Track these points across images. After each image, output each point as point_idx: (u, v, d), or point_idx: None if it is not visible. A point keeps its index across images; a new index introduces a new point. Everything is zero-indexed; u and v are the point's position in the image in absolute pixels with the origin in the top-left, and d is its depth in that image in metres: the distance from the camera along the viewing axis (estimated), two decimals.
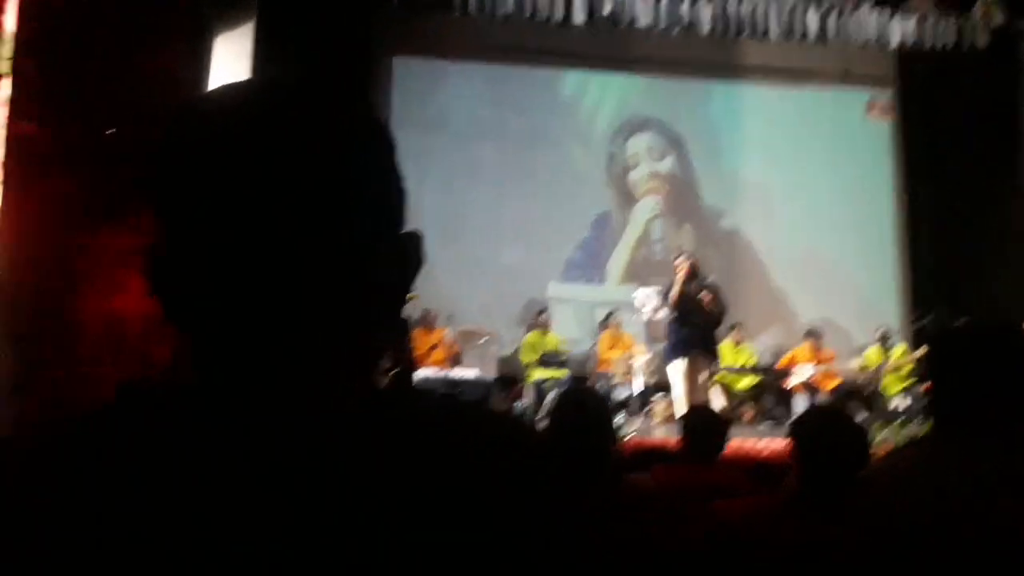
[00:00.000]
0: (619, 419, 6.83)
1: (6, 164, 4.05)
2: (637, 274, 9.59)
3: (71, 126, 4.00)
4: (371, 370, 0.61)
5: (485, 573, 0.50)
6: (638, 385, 7.63)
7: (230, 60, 4.38)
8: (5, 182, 4.05)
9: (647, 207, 10.00)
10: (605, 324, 8.65)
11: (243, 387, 0.54)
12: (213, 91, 0.58)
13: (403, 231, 0.59)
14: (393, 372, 5.17)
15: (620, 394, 7.72)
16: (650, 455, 4.40)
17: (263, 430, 0.52)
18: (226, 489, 0.49)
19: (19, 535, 0.48)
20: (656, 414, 7.52)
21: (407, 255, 0.59)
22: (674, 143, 10.13)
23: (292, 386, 0.54)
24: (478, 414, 0.61)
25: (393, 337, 5.41)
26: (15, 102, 4.05)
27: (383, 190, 0.58)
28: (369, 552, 0.49)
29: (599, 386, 7.78)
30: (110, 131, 3.88)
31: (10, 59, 4.01)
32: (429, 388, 6.62)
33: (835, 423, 2.00)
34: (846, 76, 10.06)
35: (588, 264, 9.86)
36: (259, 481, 0.50)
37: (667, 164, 10.09)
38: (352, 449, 0.52)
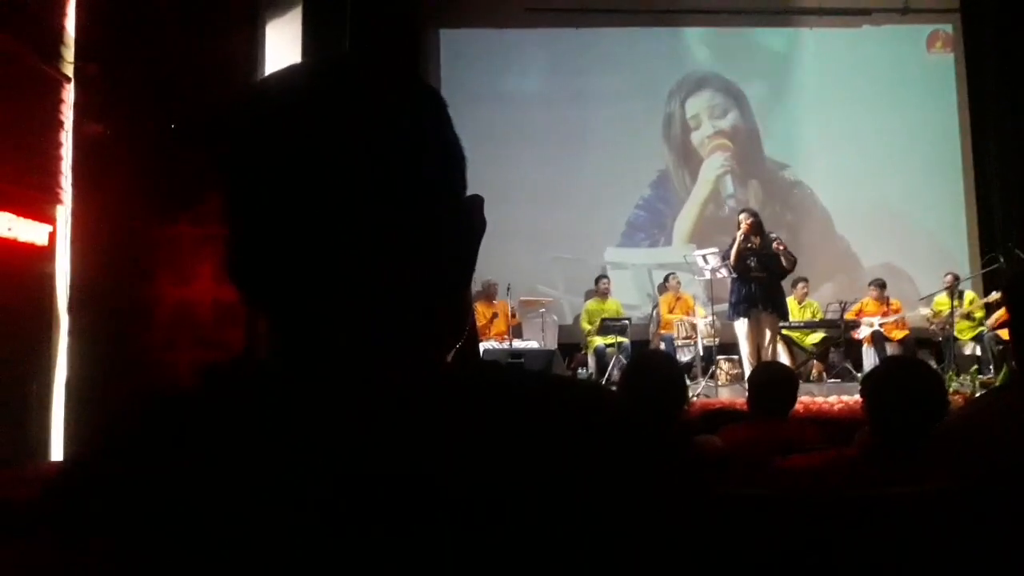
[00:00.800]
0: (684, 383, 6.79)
1: (76, 166, 4.20)
2: (705, 232, 9.42)
3: (135, 123, 4.11)
4: (447, 341, 0.61)
5: (574, 540, 0.49)
6: (701, 346, 7.57)
7: (283, 44, 4.44)
8: (75, 182, 4.20)
9: (716, 163, 9.79)
10: (665, 286, 8.59)
11: (321, 365, 0.54)
12: (273, 74, 0.59)
13: (465, 195, 0.60)
14: (459, 346, 5.21)
15: (683, 356, 7.67)
16: (717, 416, 4.38)
17: (346, 408, 0.52)
18: (313, 467, 0.50)
19: (134, 529, 0.49)
20: (721, 375, 7.46)
21: (471, 219, 0.59)
22: (734, 98, 9.90)
23: (369, 361, 0.54)
24: (556, 382, 0.60)
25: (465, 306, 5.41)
26: (80, 104, 4.18)
27: (443, 157, 0.58)
28: (459, 523, 0.48)
29: (662, 349, 7.75)
30: (172, 126, 3.98)
31: (72, 63, 4.14)
32: (494, 360, 6.68)
33: (910, 372, 1.97)
34: (905, 11, 9.70)
35: (650, 225, 9.76)
36: (345, 459, 0.50)
37: (730, 120, 9.87)
38: (436, 423, 0.52)
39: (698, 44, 9.90)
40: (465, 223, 0.59)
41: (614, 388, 2.14)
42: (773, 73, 9.89)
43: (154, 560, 0.49)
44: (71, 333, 4.11)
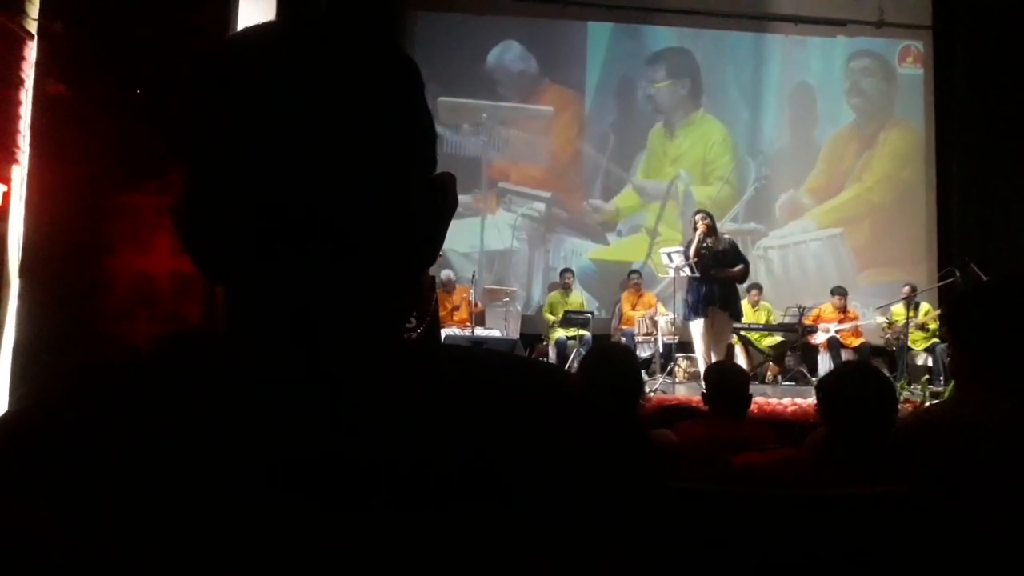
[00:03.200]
0: (642, 377, 6.87)
1: (35, 125, 4.08)
2: (660, 233, 9.53)
3: (99, 86, 4.02)
4: (405, 319, 0.59)
5: (532, 519, 0.49)
6: (661, 343, 7.64)
7: (256, 16, 4.36)
8: (33, 143, 4.08)
9: (676, 173, 9.89)
10: (627, 283, 8.65)
11: (279, 337, 0.53)
12: (247, 30, 0.56)
13: (435, 172, 0.57)
14: (420, 331, 5.20)
15: (643, 352, 7.74)
16: (673, 412, 4.41)
17: (301, 380, 0.51)
18: (263, 437, 0.49)
19: (65, 483, 0.48)
20: (679, 372, 7.54)
21: (442, 196, 0.57)
22: (696, 95, 9.97)
23: (330, 335, 0.53)
24: (517, 361, 0.59)
25: (423, 287, 5.42)
26: (42, 63, 4.07)
27: (419, 130, 0.56)
28: (417, 500, 0.48)
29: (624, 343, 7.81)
30: (138, 91, 3.89)
31: (36, 20, 4.02)
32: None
33: (864, 378, 2.00)
34: (880, 24, 9.85)
35: (600, 224, 9.79)
36: (297, 432, 0.49)
37: (697, 126, 9.95)
38: (396, 400, 0.51)
39: (674, 43, 9.94)
40: (436, 200, 0.57)
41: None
42: (746, 79, 9.97)
43: (73, 522, 0.47)
44: (22, 296, 4.01)
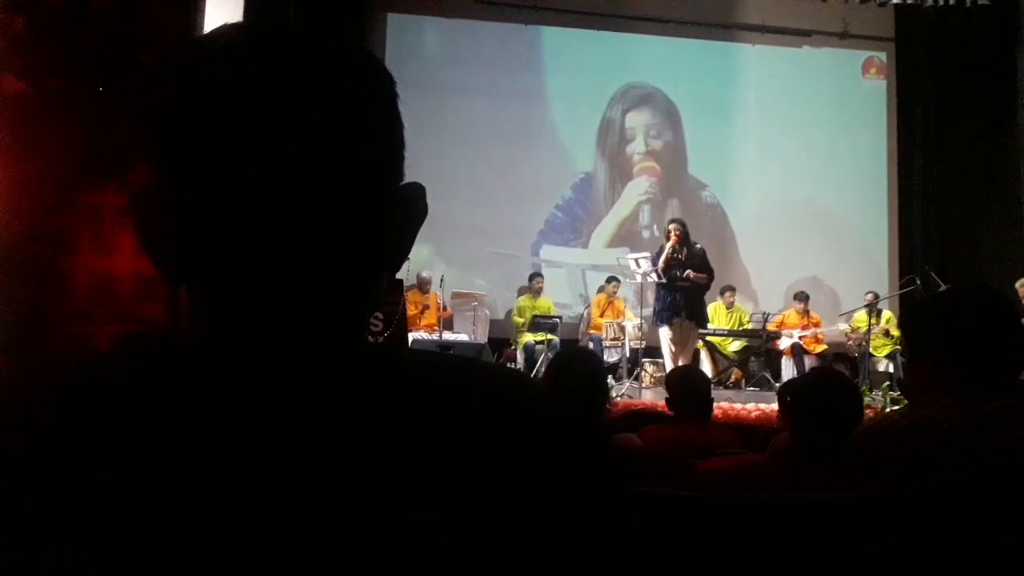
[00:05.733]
0: (609, 382, 6.91)
1: None
2: (620, 246, 9.59)
3: (60, 83, 3.94)
4: (367, 322, 0.59)
5: (491, 526, 0.48)
6: (628, 348, 7.68)
7: (223, 15, 4.32)
8: None
9: (640, 187, 9.96)
10: (602, 288, 8.69)
11: (241, 337, 0.52)
12: (215, 31, 0.55)
13: (404, 181, 0.57)
14: (387, 334, 5.18)
15: (611, 357, 7.78)
16: (639, 416, 4.44)
17: (262, 385, 0.50)
18: (225, 439, 0.48)
19: (28, 481, 0.47)
20: (646, 377, 7.59)
21: (411, 205, 0.57)
22: (671, 117, 10.06)
23: (292, 338, 0.52)
24: (481, 365, 0.60)
25: (389, 294, 5.41)
26: (2, 60, 3.99)
27: (389, 137, 0.56)
28: (378, 500, 0.47)
29: (589, 347, 7.84)
30: (100, 88, 3.82)
31: None
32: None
33: (831, 384, 2.03)
34: (844, 35, 10.01)
35: (567, 228, 9.84)
36: (256, 435, 0.48)
37: (663, 140, 10.05)
38: (357, 403, 0.51)
39: (643, 52, 10.01)
40: (405, 208, 0.57)
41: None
42: (713, 86, 10.07)
43: (28, 527, 0.46)
44: None
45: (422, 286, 8.02)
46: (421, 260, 7.96)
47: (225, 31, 0.54)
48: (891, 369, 8.03)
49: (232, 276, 0.52)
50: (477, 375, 0.56)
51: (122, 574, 0.45)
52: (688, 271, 6.71)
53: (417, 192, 0.58)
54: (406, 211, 0.57)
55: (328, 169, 0.51)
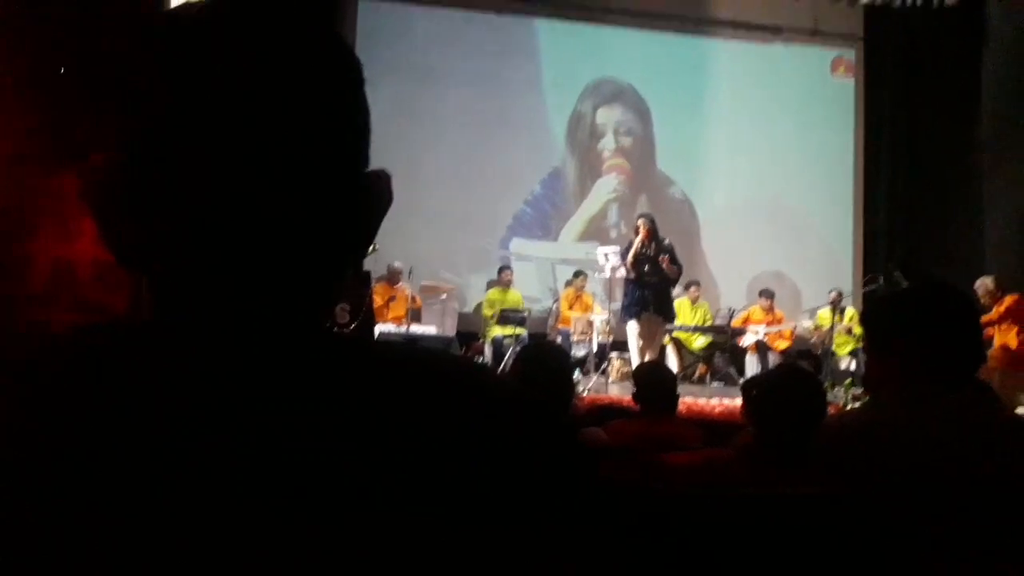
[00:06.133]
0: (576, 376, 6.94)
1: None
2: (589, 241, 9.62)
3: (24, 63, 3.86)
4: (330, 314, 0.58)
5: (452, 519, 0.48)
6: (596, 343, 7.72)
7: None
8: None
9: (608, 185, 9.99)
10: (570, 282, 8.71)
11: (201, 327, 0.51)
12: (176, 10, 0.54)
13: (370, 169, 0.57)
14: (354, 325, 5.14)
15: (579, 351, 7.81)
16: (606, 411, 4.46)
17: (218, 374, 0.50)
18: (186, 430, 0.47)
19: None
20: (613, 371, 7.63)
21: (376, 192, 0.56)
22: (641, 114, 10.09)
23: (251, 328, 0.52)
24: (445, 359, 0.58)
25: (357, 285, 5.38)
26: None
27: (351, 124, 0.55)
28: (332, 494, 0.47)
29: (559, 343, 7.86)
30: (62, 69, 3.75)
31: None
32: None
33: (795, 380, 2.05)
34: (815, 32, 10.12)
35: (536, 224, 9.85)
36: (217, 427, 0.48)
37: (633, 138, 10.08)
38: (318, 392, 0.50)
39: (615, 45, 10.04)
40: (370, 197, 0.56)
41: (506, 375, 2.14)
42: (683, 81, 10.13)
43: None
44: None
45: (392, 277, 7.97)
46: (390, 250, 7.90)
47: (191, 11, 0.53)
48: (853, 367, 8.16)
49: (192, 263, 0.51)
50: (444, 367, 0.56)
51: (75, 570, 0.44)
52: (662, 257, 6.72)
53: (382, 179, 0.57)
54: (370, 198, 0.56)
55: (291, 154, 0.51)
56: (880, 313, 1.57)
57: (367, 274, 5.95)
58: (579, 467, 0.55)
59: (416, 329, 7.65)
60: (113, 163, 0.52)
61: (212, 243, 0.50)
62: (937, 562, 1.22)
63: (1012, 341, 6.76)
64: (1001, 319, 6.82)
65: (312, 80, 0.52)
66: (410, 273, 8.10)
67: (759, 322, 8.58)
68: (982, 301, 6.90)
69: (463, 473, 0.49)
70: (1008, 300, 6.85)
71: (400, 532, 0.47)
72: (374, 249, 6.33)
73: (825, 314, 8.46)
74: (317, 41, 0.54)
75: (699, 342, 8.44)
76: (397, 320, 7.77)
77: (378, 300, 7.53)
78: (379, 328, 7.10)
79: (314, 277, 0.54)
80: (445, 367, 0.56)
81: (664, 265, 6.72)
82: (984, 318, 6.78)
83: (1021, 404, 5.74)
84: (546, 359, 2.11)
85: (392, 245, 7.79)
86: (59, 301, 3.94)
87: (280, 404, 0.49)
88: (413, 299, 8.04)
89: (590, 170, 10.03)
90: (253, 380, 0.50)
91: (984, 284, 6.99)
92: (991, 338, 6.81)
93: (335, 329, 0.62)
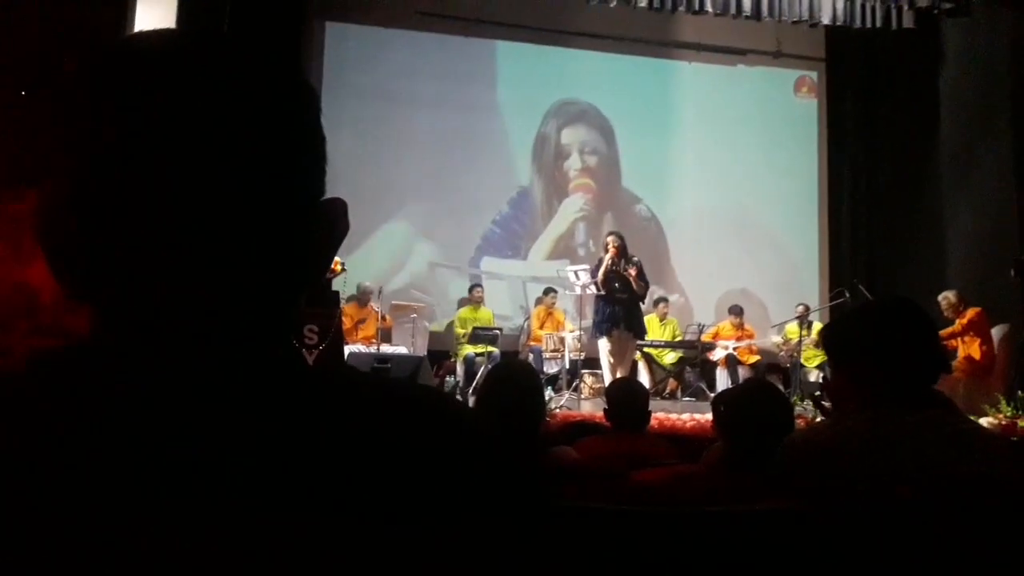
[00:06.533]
0: (549, 394, 6.93)
1: None
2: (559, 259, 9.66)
3: None
4: (288, 340, 0.58)
5: (407, 550, 0.48)
6: (567, 360, 7.72)
7: (155, 21, 4.22)
8: None
9: (575, 205, 10.05)
10: (540, 300, 8.72)
11: (153, 356, 0.51)
12: (132, 40, 0.54)
13: (324, 197, 0.57)
14: (322, 347, 5.10)
15: (551, 368, 7.80)
16: (578, 428, 4.45)
17: (172, 404, 0.49)
18: (129, 456, 0.47)
19: None
20: (585, 388, 7.63)
21: (331, 221, 0.56)
22: (606, 134, 10.18)
23: (203, 356, 0.51)
24: (397, 388, 0.58)
25: (325, 306, 5.35)
26: None
27: (306, 153, 0.55)
28: (284, 521, 0.47)
29: (530, 360, 7.85)
30: (23, 92, 3.70)
31: None
32: (358, 363, 6.57)
33: (763, 395, 2.06)
34: (778, 54, 10.28)
35: (504, 244, 9.87)
36: (165, 456, 0.47)
37: (598, 157, 10.15)
38: (260, 419, 0.50)
39: (580, 67, 10.12)
40: (324, 225, 0.56)
41: (476, 395, 2.13)
42: (648, 102, 10.23)
43: None
44: None
45: (362, 297, 7.92)
46: (359, 271, 7.86)
47: (148, 38, 0.54)
48: (821, 379, 8.24)
49: (142, 292, 0.51)
50: (388, 391, 0.56)
51: None
52: (627, 269, 6.76)
53: (338, 209, 0.57)
54: (325, 228, 0.56)
55: (241, 182, 0.51)
56: (837, 332, 1.59)
57: (336, 295, 5.91)
58: (526, 492, 0.55)
59: (387, 349, 7.60)
60: (59, 191, 0.51)
61: (161, 273, 0.50)
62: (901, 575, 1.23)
63: (975, 352, 6.88)
64: (964, 331, 6.94)
65: (264, 109, 0.52)
66: (380, 293, 8.06)
67: (729, 337, 8.65)
68: (945, 314, 7.03)
69: (386, 488, 0.49)
70: (970, 313, 6.97)
71: (330, 548, 0.46)
72: (343, 270, 6.30)
73: (793, 328, 8.56)
74: (271, 71, 0.54)
75: (670, 357, 8.48)
76: (367, 340, 7.71)
77: (348, 321, 7.48)
78: (349, 348, 7.04)
79: (266, 304, 0.54)
80: (390, 391, 0.56)
81: (630, 276, 6.76)
82: (947, 331, 6.90)
83: (985, 414, 5.84)
84: (516, 378, 2.10)
85: (361, 265, 7.77)
86: (18, 326, 3.87)
87: (225, 430, 0.49)
88: (383, 318, 8.00)
89: (556, 190, 10.08)
90: (199, 408, 0.49)
91: (947, 298, 7.12)
92: (955, 350, 6.93)
93: (303, 351, 0.61)
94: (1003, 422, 5.60)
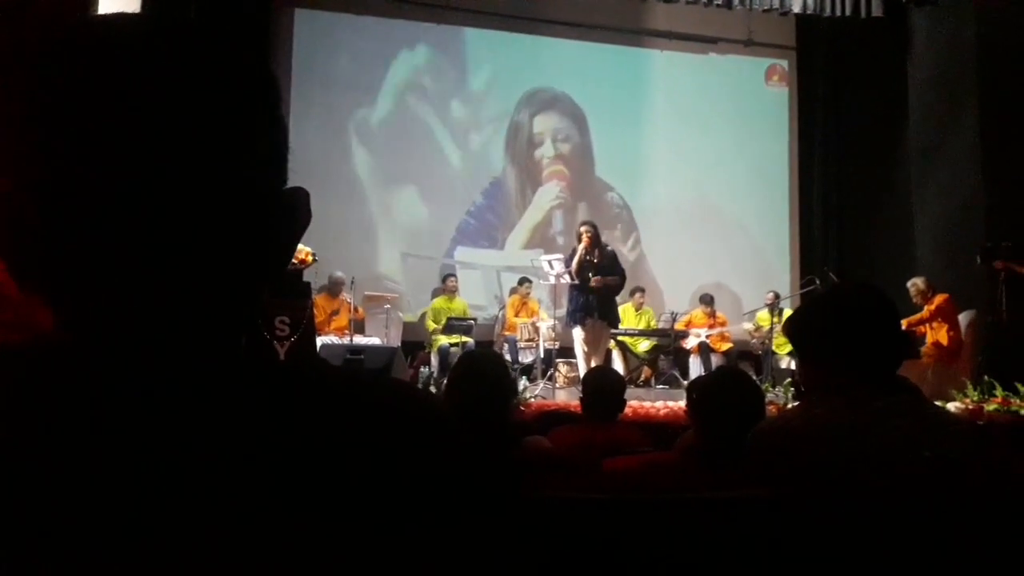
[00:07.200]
0: (523, 383, 6.94)
1: None
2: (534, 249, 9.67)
3: None
4: (253, 332, 0.57)
5: (374, 548, 0.48)
6: (543, 349, 7.73)
7: (119, 5, 4.15)
8: None
9: (550, 193, 10.05)
10: (515, 290, 8.72)
11: (113, 351, 0.50)
12: (86, 22, 0.53)
13: (287, 187, 0.56)
14: (294, 339, 5.06)
15: (525, 358, 7.81)
16: (553, 417, 4.47)
17: (132, 397, 0.48)
18: (88, 459, 0.46)
19: None
20: (559, 377, 7.65)
21: (292, 211, 0.56)
22: (578, 121, 10.18)
23: (164, 348, 0.51)
24: (366, 383, 0.57)
25: (296, 298, 5.30)
26: None
27: (266, 142, 0.54)
28: (248, 516, 0.46)
29: (505, 350, 7.86)
30: None
31: None
32: (330, 355, 6.53)
33: (734, 383, 2.07)
34: (749, 43, 10.33)
35: (480, 235, 9.85)
36: (125, 453, 0.46)
37: (571, 144, 10.15)
38: (220, 414, 0.49)
39: (553, 55, 10.10)
40: (285, 215, 0.55)
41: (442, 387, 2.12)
42: (620, 90, 10.24)
43: None
44: None
45: (333, 288, 7.86)
46: (330, 261, 7.80)
47: (105, 23, 0.52)
48: (793, 366, 8.33)
49: (99, 284, 0.50)
50: (356, 386, 0.55)
51: None
52: (595, 277, 6.78)
53: (300, 198, 0.56)
54: (287, 217, 0.56)
55: (202, 173, 0.50)
56: (798, 321, 1.60)
57: (307, 286, 5.86)
58: (492, 488, 0.55)
59: (360, 340, 7.56)
60: (13, 178, 0.50)
61: (119, 264, 0.49)
62: (872, 562, 1.25)
63: (943, 338, 6.99)
64: (932, 317, 7.04)
65: (223, 96, 0.52)
66: (352, 283, 8.01)
67: (701, 325, 8.72)
68: (914, 300, 7.13)
69: (338, 484, 0.48)
70: (938, 299, 7.08)
71: (290, 549, 0.46)
72: (313, 260, 6.24)
73: (764, 316, 8.64)
74: (230, 58, 0.53)
75: (644, 346, 8.53)
76: (340, 331, 7.66)
77: (320, 312, 7.42)
78: (321, 340, 7.00)
79: (228, 295, 0.53)
80: (353, 386, 0.55)
81: (594, 283, 6.76)
82: (916, 317, 7.00)
83: (953, 398, 5.94)
84: (483, 368, 2.10)
85: (332, 256, 7.71)
86: None
87: (187, 426, 0.48)
88: (356, 310, 7.95)
89: (530, 179, 10.07)
90: (157, 401, 0.49)
91: (915, 284, 7.22)
92: (924, 335, 7.03)
93: (274, 343, 0.60)
94: (970, 407, 5.70)
